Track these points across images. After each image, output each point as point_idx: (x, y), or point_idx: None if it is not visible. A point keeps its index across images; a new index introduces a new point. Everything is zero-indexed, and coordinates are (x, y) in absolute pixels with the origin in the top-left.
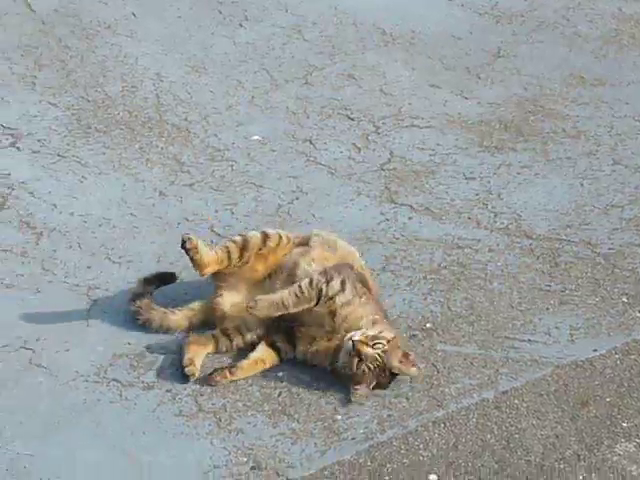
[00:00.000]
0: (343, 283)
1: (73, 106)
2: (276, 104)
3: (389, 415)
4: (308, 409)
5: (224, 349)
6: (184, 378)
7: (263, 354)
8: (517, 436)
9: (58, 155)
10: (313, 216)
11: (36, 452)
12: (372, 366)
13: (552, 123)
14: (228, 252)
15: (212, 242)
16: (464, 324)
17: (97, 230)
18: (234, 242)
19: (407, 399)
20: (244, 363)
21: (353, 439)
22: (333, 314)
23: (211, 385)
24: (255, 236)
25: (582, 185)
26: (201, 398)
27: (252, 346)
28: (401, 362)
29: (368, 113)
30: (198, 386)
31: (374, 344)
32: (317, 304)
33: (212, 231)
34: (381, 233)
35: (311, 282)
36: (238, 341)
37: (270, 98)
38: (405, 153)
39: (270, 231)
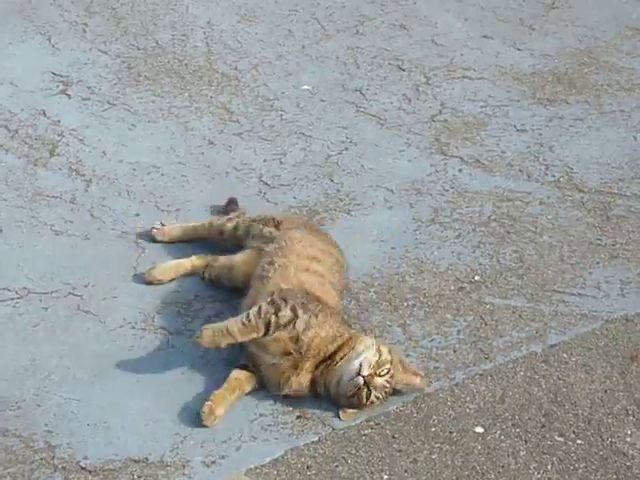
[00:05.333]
0: (294, 309)
1: (123, 54)
2: (326, 54)
3: (436, 367)
4: None
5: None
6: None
7: (238, 375)
8: (565, 390)
9: (108, 103)
10: (362, 167)
11: (83, 397)
12: (382, 394)
13: (606, 75)
14: None
15: (260, 192)
16: (513, 277)
17: (146, 178)
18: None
19: (454, 351)
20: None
21: (399, 390)
22: (296, 340)
23: (206, 425)
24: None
25: (635, 138)
26: None
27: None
28: (404, 377)
29: (419, 64)
30: None
31: (381, 372)
32: (265, 335)
33: (261, 181)
34: (430, 185)
35: (259, 311)
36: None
37: (320, 48)
38: (456, 104)
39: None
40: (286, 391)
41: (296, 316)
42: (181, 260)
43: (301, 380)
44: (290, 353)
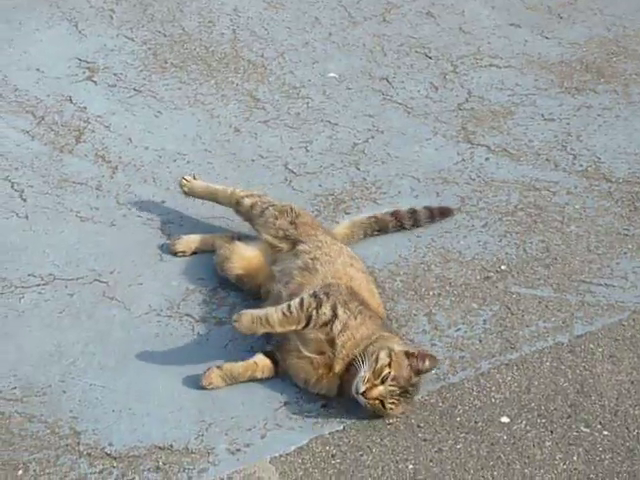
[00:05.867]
0: (334, 308)
1: (150, 40)
2: (353, 41)
3: (461, 357)
4: None
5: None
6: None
7: (259, 360)
8: (591, 381)
9: (134, 89)
10: (388, 155)
11: (108, 384)
12: (396, 399)
13: (634, 64)
14: None
15: (286, 180)
16: (539, 267)
17: (171, 165)
18: None
19: (480, 341)
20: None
21: (424, 379)
22: (332, 343)
23: (205, 387)
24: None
25: None
26: None
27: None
28: (412, 366)
29: (446, 52)
30: None
31: (381, 379)
32: (305, 328)
33: (286, 168)
34: (457, 174)
35: (302, 304)
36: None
37: (347, 35)
38: (483, 93)
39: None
40: (316, 390)
41: (335, 315)
42: (205, 235)
43: (331, 382)
44: (324, 353)
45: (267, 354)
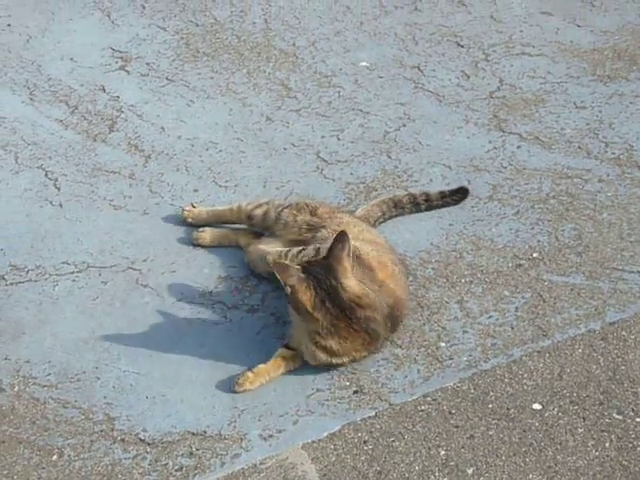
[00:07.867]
0: None
1: (182, 30)
2: (384, 30)
3: (493, 344)
4: (411, 336)
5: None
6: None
7: (284, 353)
8: (624, 368)
9: (166, 79)
10: (420, 143)
11: (141, 370)
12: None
13: None
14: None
15: (317, 168)
16: (572, 254)
17: (204, 154)
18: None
19: (512, 328)
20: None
21: (456, 366)
22: None
23: (236, 391)
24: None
25: None
26: None
27: None
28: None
29: (478, 40)
30: None
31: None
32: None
33: (318, 157)
34: (489, 162)
35: (300, 251)
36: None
37: (379, 24)
38: (515, 81)
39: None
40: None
41: None
42: (229, 232)
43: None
44: None
45: (288, 347)
